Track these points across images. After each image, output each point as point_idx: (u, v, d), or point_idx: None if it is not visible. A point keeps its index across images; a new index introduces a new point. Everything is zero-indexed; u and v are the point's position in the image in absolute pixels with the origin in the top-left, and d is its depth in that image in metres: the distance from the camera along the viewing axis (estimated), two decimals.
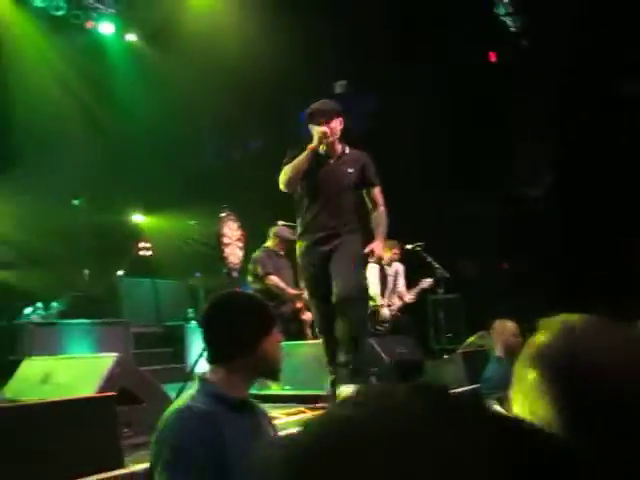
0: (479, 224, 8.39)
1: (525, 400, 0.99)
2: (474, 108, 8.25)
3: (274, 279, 6.58)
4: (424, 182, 8.62)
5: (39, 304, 7.28)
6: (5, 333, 6.62)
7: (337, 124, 4.44)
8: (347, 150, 4.65)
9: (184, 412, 1.94)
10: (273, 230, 6.88)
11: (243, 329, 2.08)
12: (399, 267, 7.69)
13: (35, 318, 6.96)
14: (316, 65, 8.61)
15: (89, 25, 9.75)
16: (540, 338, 1.02)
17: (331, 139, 4.39)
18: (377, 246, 4.44)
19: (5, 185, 8.30)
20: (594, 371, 0.92)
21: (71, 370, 4.04)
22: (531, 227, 8.22)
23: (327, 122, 4.35)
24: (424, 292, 7.77)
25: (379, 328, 7.31)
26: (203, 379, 2.07)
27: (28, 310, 7.20)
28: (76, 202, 8.21)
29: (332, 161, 4.55)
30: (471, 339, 7.12)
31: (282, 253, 6.83)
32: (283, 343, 5.31)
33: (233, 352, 2.06)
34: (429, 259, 7.52)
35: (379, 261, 4.68)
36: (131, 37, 10.51)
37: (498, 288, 8.21)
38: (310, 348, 5.44)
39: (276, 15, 8.32)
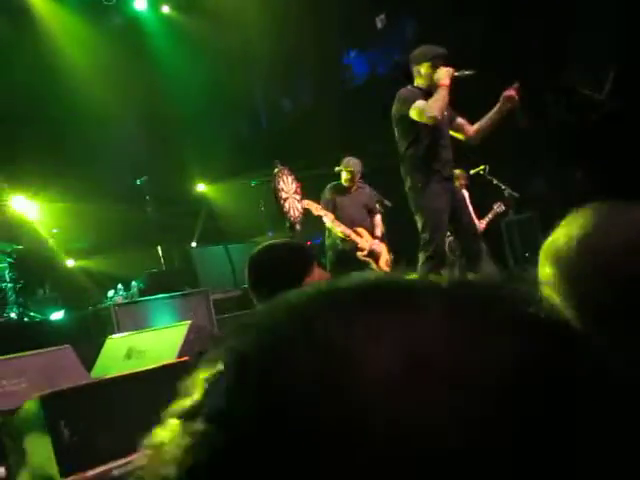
0: (540, 136, 8.02)
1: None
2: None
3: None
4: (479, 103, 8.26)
5: (120, 286, 7.49)
6: (93, 318, 6.86)
7: None
8: None
9: None
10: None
11: (283, 282, 1.97)
12: (465, 195, 7.49)
13: (119, 299, 7.16)
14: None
15: None
16: (556, 235, 0.98)
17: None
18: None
19: (65, 173, 8.48)
20: (614, 260, 0.87)
21: (151, 342, 4.14)
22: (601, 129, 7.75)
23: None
24: (497, 217, 7.57)
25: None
26: None
27: (110, 293, 7.43)
28: (139, 182, 8.29)
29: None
30: None
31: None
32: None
33: None
34: (495, 181, 7.30)
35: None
36: (165, 9, 10.53)
37: (572, 200, 7.85)
38: None
39: None
